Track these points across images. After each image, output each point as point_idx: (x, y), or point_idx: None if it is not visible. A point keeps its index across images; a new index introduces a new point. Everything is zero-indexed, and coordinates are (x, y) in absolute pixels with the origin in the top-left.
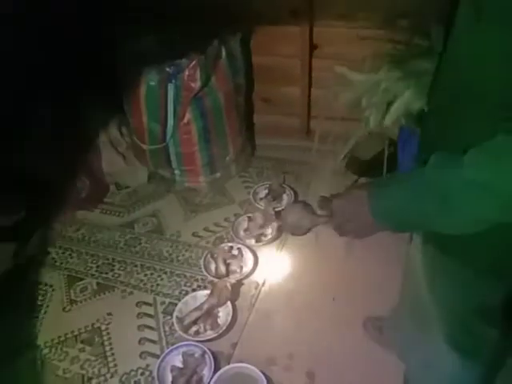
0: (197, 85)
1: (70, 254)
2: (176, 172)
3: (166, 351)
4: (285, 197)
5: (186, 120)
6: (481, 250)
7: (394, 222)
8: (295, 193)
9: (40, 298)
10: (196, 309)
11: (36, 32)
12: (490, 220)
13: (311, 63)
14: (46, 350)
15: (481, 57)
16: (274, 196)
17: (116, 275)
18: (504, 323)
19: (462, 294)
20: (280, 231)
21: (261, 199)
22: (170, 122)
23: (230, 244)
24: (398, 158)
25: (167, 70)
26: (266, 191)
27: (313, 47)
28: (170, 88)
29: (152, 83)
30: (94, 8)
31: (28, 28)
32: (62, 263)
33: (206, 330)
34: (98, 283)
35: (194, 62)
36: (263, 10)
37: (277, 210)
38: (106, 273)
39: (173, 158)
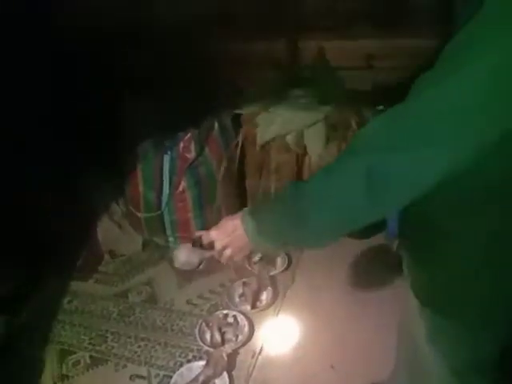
0: (191, 155)
1: (62, 326)
2: (170, 239)
3: None
4: (279, 260)
5: (181, 188)
6: (470, 302)
7: (269, 236)
8: (289, 256)
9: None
10: (192, 381)
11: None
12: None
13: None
14: None
15: None
16: (268, 260)
17: (109, 347)
18: (500, 375)
19: (455, 349)
20: (275, 297)
21: (255, 264)
22: (166, 190)
23: (224, 311)
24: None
25: (163, 142)
26: (260, 256)
27: None
28: (166, 159)
29: (148, 154)
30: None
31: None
32: (54, 336)
33: None
34: (90, 356)
35: (188, 135)
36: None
37: (271, 274)
38: (100, 345)
39: (167, 225)
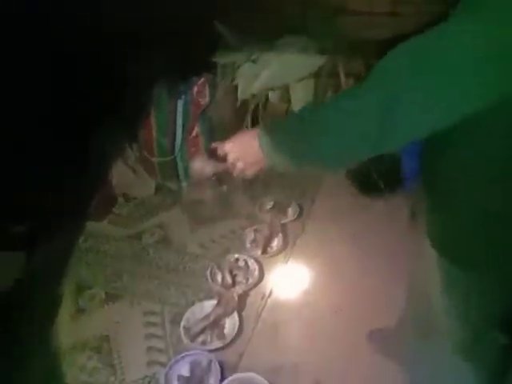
0: (205, 100)
1: (78, 264)
2: (183, 184)
3: (173, 360)
4: (290, 210)
5: (194, 133)
6: (487, 252)
7: (282, 153)
8: (300, 206)
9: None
10: (203, 319)
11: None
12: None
13: None
14: (54, 358)
15: None
16: (280, 209)
17: (124, 285)
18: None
19: (471, 300)
20: (285, 244)
21: (267, 212)
22: (179, 135)
23: (236, 255)
24: (401, 163)
25: (177, 86)
26: (272, 204)
27: None
28: (180, 104)
29: (162, 99)
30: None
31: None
32: (70, 273)
33: (212, 340)
34: (105, 293)
35: (202, 80)
36: None
37: (282, 222)
38: (114, 282)
39: (180, 170)
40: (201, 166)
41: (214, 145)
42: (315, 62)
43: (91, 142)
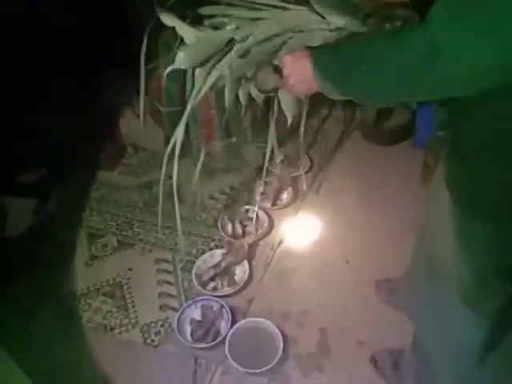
0: None
1: (90, 213)
2: (192, 135)
3: (186, 304)
4: (300, 163)
5: None
6: (504, 206)
7: (330, 77)
8: (311, 159)
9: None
10: (214, 266)
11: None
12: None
13: None
14: (70, 302)
15: None
16: (290, 162)
17: (135, 233)
18: None
19: (483, 250)
20: (295, 197)
21: (276, 164)
22: (189, 84)
23: (246, 207)
24: (415, 125)
25: None
26: (282, 157)
27: None
28: None
29: (172, 45)
30: None
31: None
32: (82, 221)
33: (223, 287)
34: (118, 240)
35: None
36: None
37: (293, 175)
38: (126, 231)
39: (190, 121)
40: (265, 76)
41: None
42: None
43: (98, 89)
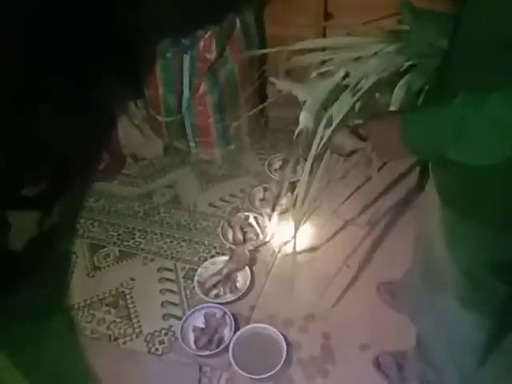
0: (212, 56)
1: (91, 224)
2: (191, 144)
3: (189, 312)
4: (299, 168)
5: (201, 92)
6: (492, 205)
7: (419, 146)
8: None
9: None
10: (216, 273)
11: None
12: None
13: (325, 33)
14: (73, 313)
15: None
16: (289, 168)
17: (137, 243)
18: None
19: (475, 251)
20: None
21: (275, 170)
22: (186, 93)
23: (246, 213)
24: None
25: (183, 41)
26: (281, 163)
27: (327, 16)
28: (186, 59)
29: (167, 54)
30: None
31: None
32: (84, 232)
33: (225, 293)
34: (119, 250)
35: (209, 33)
36: None
37: (291, 181)
38: (127, 241)
39: (188, 129)
40: (342, 139)
41: (357, 122)
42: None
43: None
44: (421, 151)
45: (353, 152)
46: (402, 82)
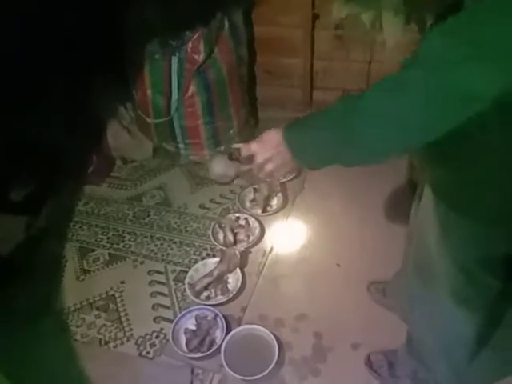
0: (200, 57)
1: (80, 227)
2: (180, 146)
3: (180, 314)
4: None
5: (190, 93)
6: (485, 202)
7: (314, 153)
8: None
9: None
10: (207, 275)
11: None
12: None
13: (313, 34)
14: (63, 317)
15: None
16: None
17: (127, 246)
18: (506, 274)
19: (467, 246)
20: (285, 202)
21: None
22: (175, 95)
23: (236, 214)
24: None
25: (171, 42)
26: None
27: (315, 17)
28: (174, 61)
29: (156, 56)
30: None
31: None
32: (73, 235)
33: (216, 295)
34: (109, 254)
35: (197, 35)
36: None
37: (282, 181)
38: (117, 244)
39: (177, 131)
40: (223, 167)
41: (236, 145)
42: None
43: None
44: (313, 164)
45: (237, 176)
46: None
